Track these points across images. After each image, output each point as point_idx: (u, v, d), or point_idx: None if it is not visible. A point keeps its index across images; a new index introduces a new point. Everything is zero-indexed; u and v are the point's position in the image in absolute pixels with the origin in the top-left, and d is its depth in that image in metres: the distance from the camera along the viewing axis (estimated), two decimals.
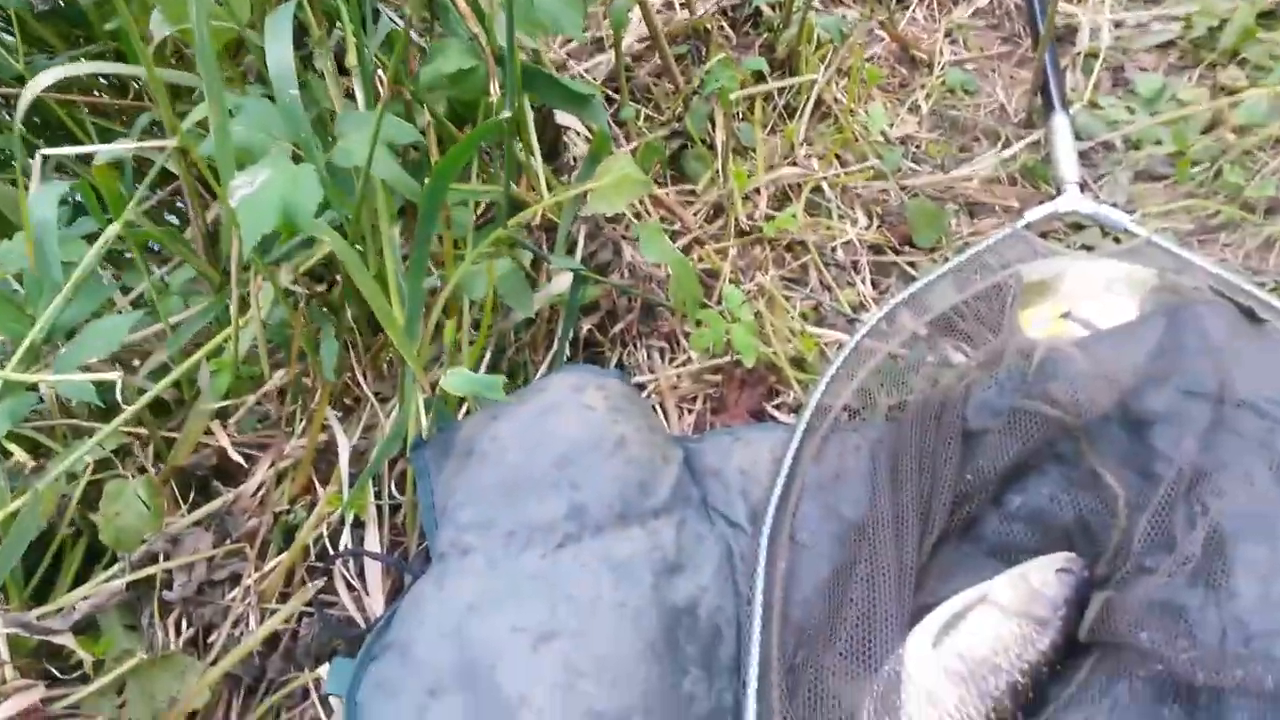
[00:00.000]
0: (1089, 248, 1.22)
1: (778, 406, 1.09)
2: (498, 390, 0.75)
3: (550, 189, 1.05)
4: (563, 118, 1.21)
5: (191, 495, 1.00)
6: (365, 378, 1.00)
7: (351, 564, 0.94)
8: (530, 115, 1.04)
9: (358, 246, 0.92)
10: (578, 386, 0.87)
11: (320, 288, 0.94)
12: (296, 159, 0.82)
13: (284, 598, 0.96)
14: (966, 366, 1.04)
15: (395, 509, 0.99)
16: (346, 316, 0.95)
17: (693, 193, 1.34)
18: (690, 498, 0.89)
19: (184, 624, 0.93)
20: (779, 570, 0.83)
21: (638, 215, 1.21)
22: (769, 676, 0.75)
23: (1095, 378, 0.92)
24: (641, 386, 1.13)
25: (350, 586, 0.94)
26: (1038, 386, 0.92)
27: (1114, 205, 1.23)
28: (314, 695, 0.92)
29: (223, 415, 1.05)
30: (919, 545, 0.87)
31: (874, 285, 1.22)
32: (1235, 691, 0.69)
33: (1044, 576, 0.82)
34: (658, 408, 1.11)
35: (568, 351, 1.12)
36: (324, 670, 0.90)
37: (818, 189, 1.34)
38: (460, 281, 0.91)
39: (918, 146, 1.45)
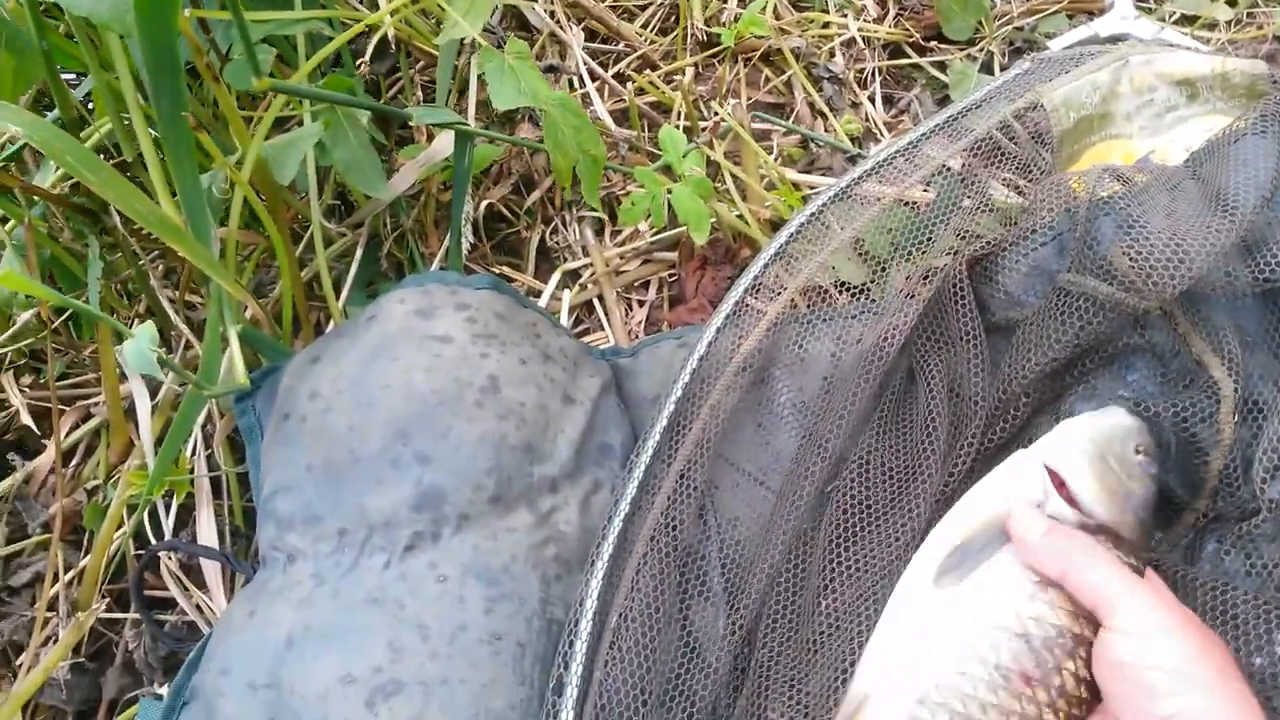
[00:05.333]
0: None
1: (755, 291, 0.82)
2: (151, 366, 0.50)
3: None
4: None
5: None
6: (178, 305, 0.76)
7: (181, 558, 0.74)
8: None
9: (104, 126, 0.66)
10: (424, 310, 0.61)
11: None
12: None
13: (119, 601, 0.77)
14: (1013, 210, 0.76)
15: (245, 477, 0.77)
16: (116, 223, 0.69)
17: None
18: (610, 447, 0.65)
19: None
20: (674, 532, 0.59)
21: (554, 38, 0.91)
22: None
23: (1179, 232, 0.62)
24: (575, 275, 0.87)
25: (185, 586, 0.74)
26: (1094, 250, 0.64)
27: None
28: None
29: (25, 370, 0.83)
30: (938, 491, 0.62)
31: (888, 104, 0.91)
32: None
33: (1124, 459, 0.55)
34: (595, 303, 0.85)
35: (469, 237, 0.85)
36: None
37: None
38: (260, 159, 0.64)
39: None
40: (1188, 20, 0.95)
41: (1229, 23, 0.91)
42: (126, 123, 0.65)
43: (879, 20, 0.96)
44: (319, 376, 0.61)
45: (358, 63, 0.75)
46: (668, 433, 0.64)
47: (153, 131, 0.64)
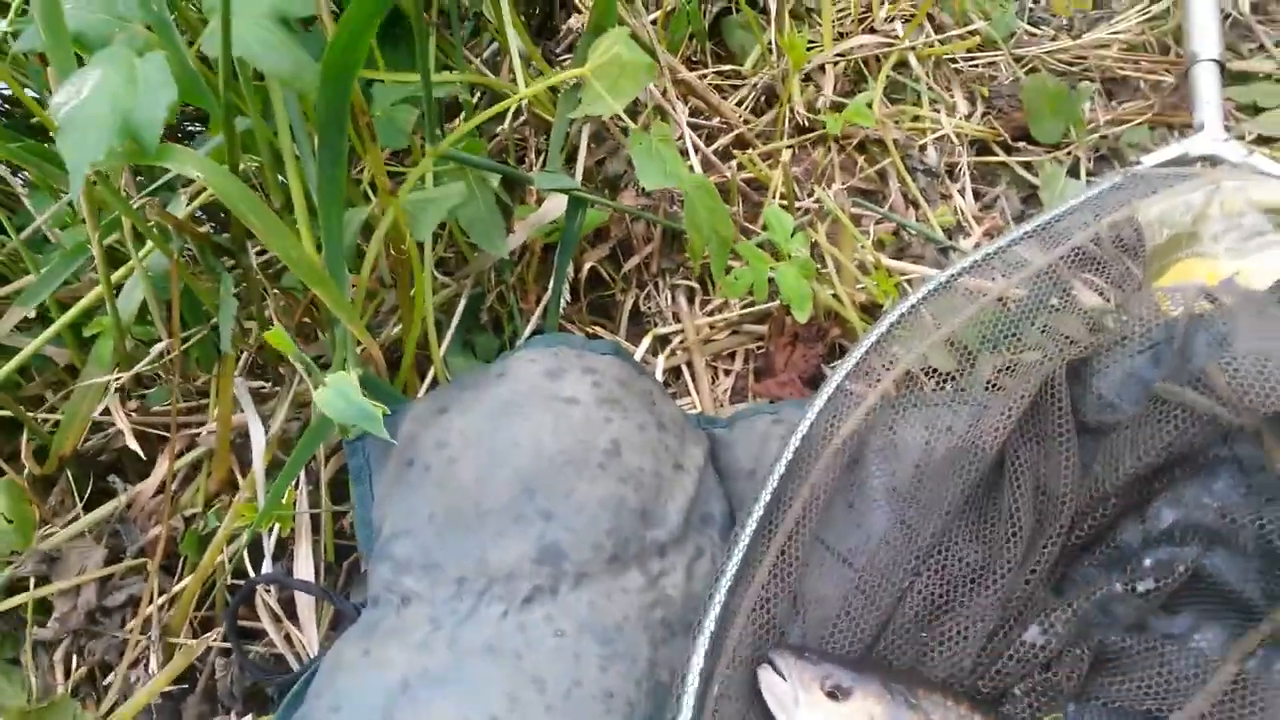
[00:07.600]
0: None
1: (853, 375, 0.86)
2: (376, 424, 0.54)
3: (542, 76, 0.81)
4: None
5: (88, 495, 0.83)
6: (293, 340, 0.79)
7: (275, 590, 0.77)
8: None
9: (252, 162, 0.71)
10: (553, 371, 0.65)
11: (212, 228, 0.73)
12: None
13: (205, 626, 0.79)
14: (1099, 314, 0.80)
15: (343, 515, 0.80)
16: (251, 262, 0.74)
17: (738, 74, 1.08)
18: (711, 516, 0.68)
19: (74, 661, 0.77)
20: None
21: (659, 111, 0.96)
22: None
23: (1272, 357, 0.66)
24: (665, 340, 0.91)
25: (277, 617, 0.76)
26: (1191, 363, 0.68)
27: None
28: None
29: (133, 395, 0.87)
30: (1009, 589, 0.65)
31: (977, 198, 0.96)
32: None
33: None
34: (684, 369, 0.89)
35: (567, 295, 0.90)
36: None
37: (903, 64, 1.06)
38: (400, 214, 0.69)
39: (1036, 2, 1.16)
40: (1265, 141, 1.00)
41: None
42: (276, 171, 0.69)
43: (968, 117, 1.01)
44: (446, 427, 0.65)
45: (496, 129, 0.80)
46: (770, 508, 0.67)
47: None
